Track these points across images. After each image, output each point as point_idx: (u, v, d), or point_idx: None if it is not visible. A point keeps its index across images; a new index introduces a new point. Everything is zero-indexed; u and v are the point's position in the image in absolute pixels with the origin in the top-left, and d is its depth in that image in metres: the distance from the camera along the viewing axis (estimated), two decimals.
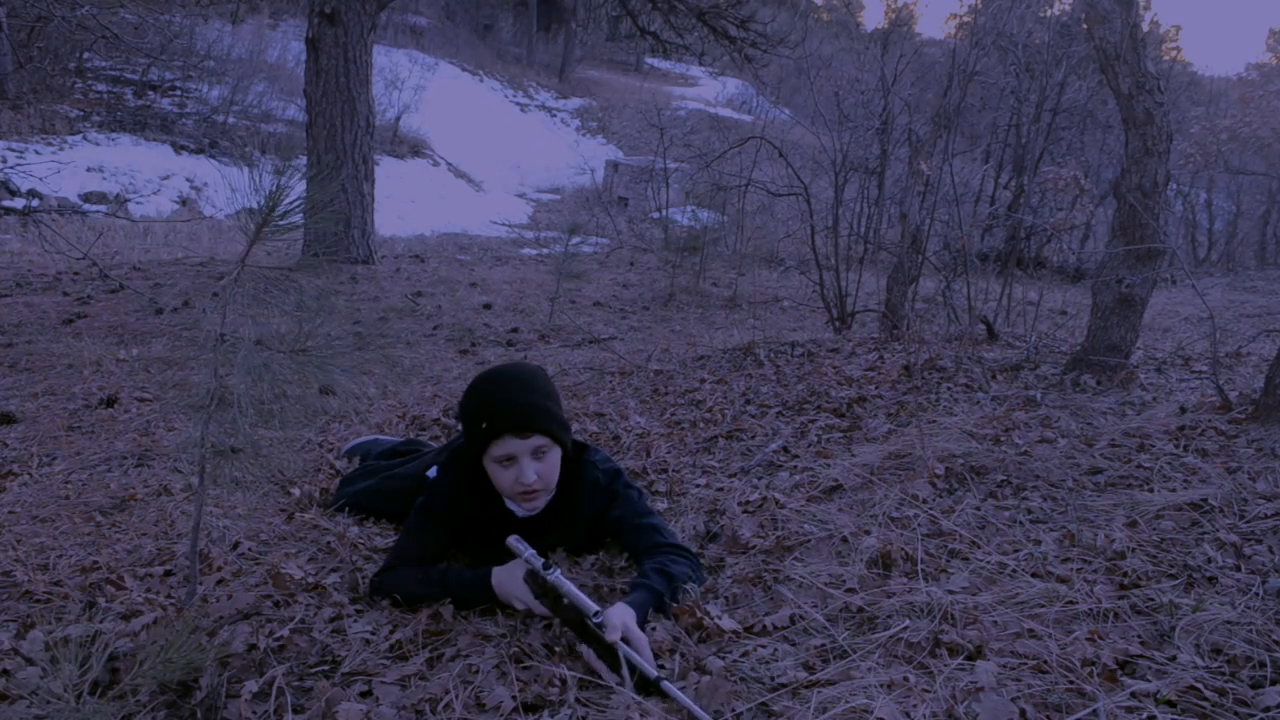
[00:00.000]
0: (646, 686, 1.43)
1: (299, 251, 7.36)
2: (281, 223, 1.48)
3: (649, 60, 33.24)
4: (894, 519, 2.07)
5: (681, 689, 1.40)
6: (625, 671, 1.45)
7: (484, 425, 1.83)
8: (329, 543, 2.12)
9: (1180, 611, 1.53)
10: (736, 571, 1.87)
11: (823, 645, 1.53)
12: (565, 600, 1.58)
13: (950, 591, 1.66)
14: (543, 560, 1.64)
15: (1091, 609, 1.57)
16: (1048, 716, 1.29)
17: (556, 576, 1.60)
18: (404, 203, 14.50)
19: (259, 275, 1.51)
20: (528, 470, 1.84)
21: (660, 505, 2.36)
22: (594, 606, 1.53)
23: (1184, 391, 3.08)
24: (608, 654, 1.47)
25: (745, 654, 1.52)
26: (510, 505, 1.96)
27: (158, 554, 2.01)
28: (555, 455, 1.89)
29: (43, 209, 10.60)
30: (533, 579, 1.66)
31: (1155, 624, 1.51)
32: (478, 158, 20.02)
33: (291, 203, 1.48)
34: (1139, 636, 1.48)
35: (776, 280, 9.06)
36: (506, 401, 1.84)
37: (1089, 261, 10.72)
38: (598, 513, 1.97)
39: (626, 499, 1.98)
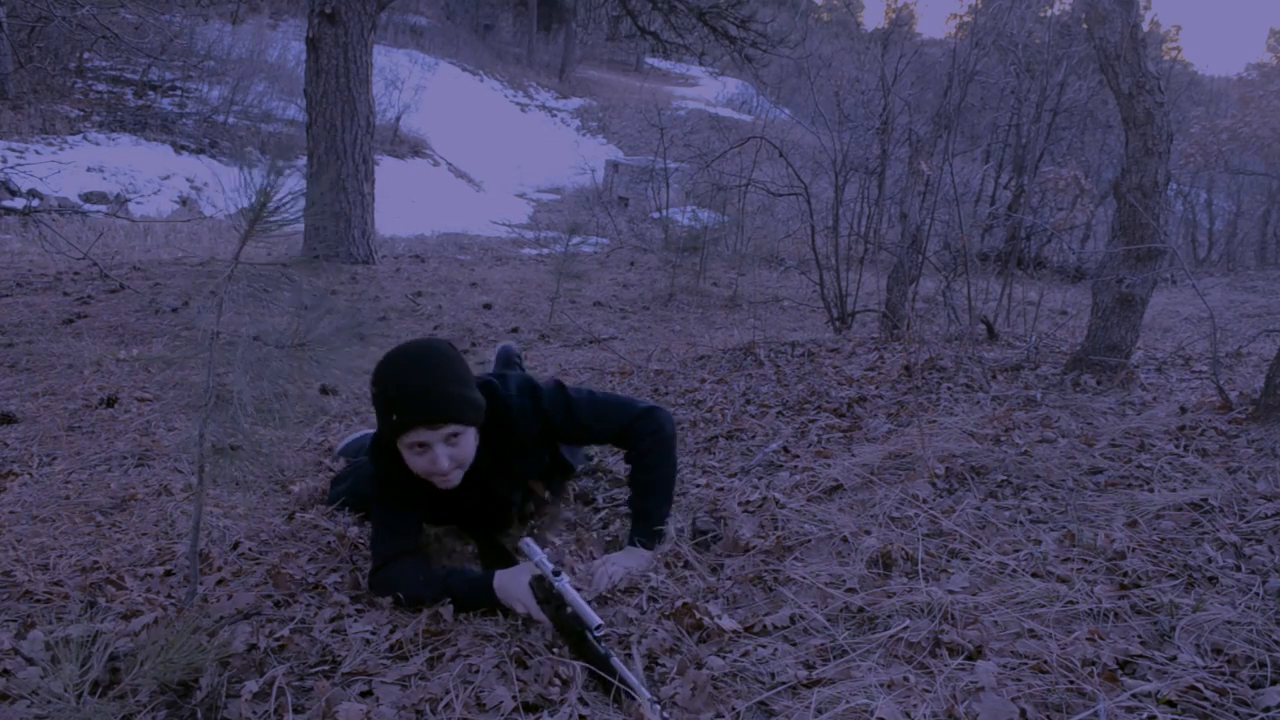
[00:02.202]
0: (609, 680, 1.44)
1: (299, 252, 7.36)
2: (273, 219, 1.47)
3: (649, 60, 33.24)
4: (894, 519, 2.07)
5: (678, 690, 1.40)
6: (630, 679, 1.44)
7: (394, 418, 1.80)
8: (329, 543, 2.12)
9: (1180, 611, 1.53)
10: (736, 571, 1.87)
11: (823, 645, 1.53)
12: (568, 609, 1.56)
13: (950, 591, 1.66)
14: (553, 566, 1.63)
15: (1092, 609, 1.56)
16: (1048, 716, 1.29)
17: (563, 584, 1.59)
18: (404, 203, 14.50)
19: (254, 272, 1.51)
20: (441, 458, 1.82)
21: None
22: (596, 620, 1.51)
23: (1184, 391, 3.08)
24: (603, 670, 1.46)
25: (745, 654, 1.52)
26: None
27: (158, 554, 2.01)
28: (470, 435, 1.86)
29: (43, 209, 10.60)
30: (538, 584, 1.65)
31: (1155, 624, 1.51)
32: (478, 158, 20.03)
33: (282, 199, 1.47)
34: (1139, 636, 1.48)
35: (776, 280, 9.05)
36: (415, 393, 1.80)
37: (1089, 261, 10.72)
38: (540, 432, 1.98)
39: (555, 409, 2.00)
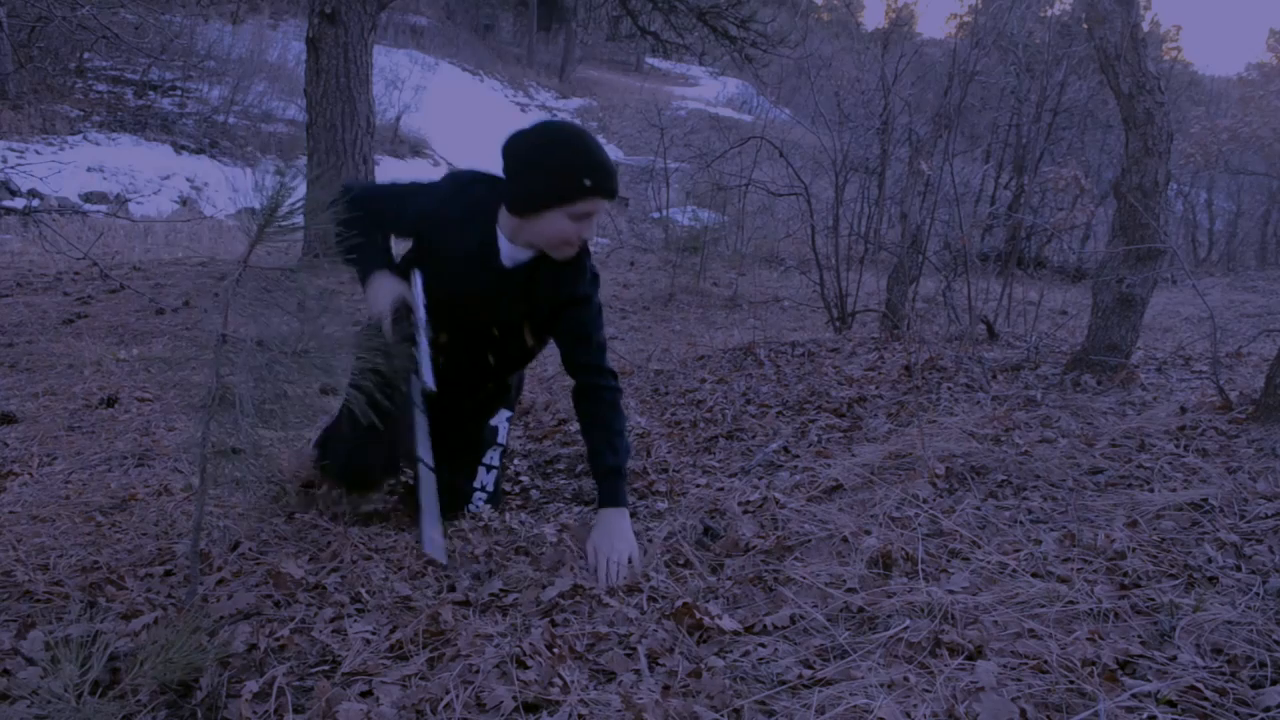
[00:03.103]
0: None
1: (299, 251, 7.36)
2: (284, 223, 1.48)
3: (649, 60, 33.23)
4: (894, 519, 2.07)
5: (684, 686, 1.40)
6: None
7: (587, 182, 1.85)
8: (329, 543, 2.11)
9: (1181, 611, 1.53)
10: (736, 571, 1.87)
11: (823, 645, 1.53)
12: (413, 350, 1.79)
13: (950, 591, 1.66)
14: (424, 315, 1.86)
15: (1092, 609, 1.56)
16: (1048, 716, 1.29)
17: (421, 336, 1.83)
18: None
19: (261, 276, 1.51)
20: (593, 228, 1.92)
21: (660, 505, 2.36)
22: (429, 381, 1.78)
23: (1184, 391, 3.08)
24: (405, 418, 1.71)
25: (745, 653, 1.52)
26: (504, 244, 1.99)
27: (158, 554, 2.01)
28: None
29: (43, 209, 10.60)
30: (403, 310, 1.86)
31: (1156, 624, 1.51)
32: (478, 158, 19.95)
33: (294, 204, 1.48)
34: (1139, 636, 1.48)
35: (777, 280, 9.05)
36: (607, 165, 1.88)
37: (1089, 261, 10.73)
38: (561, 299, 2.03)
39: (591, 306, 2.06)
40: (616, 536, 1.93)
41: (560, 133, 1.93)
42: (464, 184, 2.08)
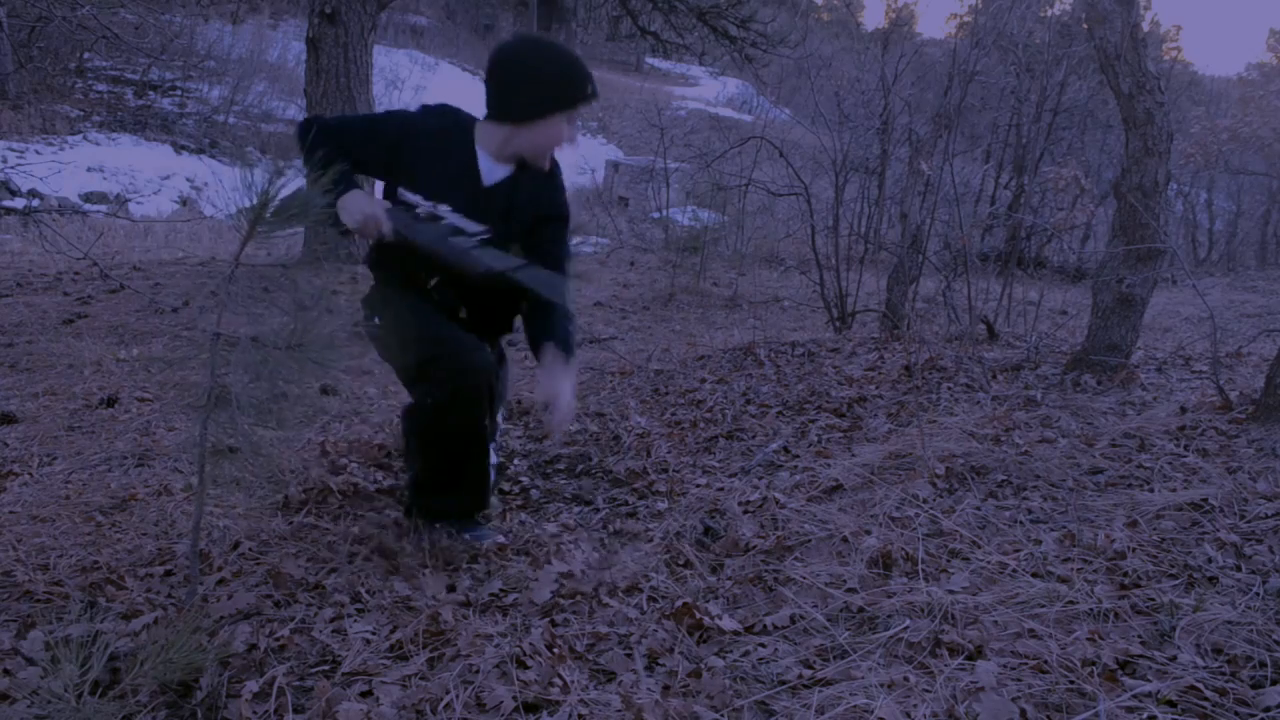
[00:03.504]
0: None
1: (300, 252, 7.35)
2: (273, 219, 1.47)
3: (649, 60, 33.19)
4: (894, 519, 2.07)
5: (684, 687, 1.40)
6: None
7: (589, 89, 1.95)
8: (329, 542, 2.12)
9: (1181, 611, 1.53)
10: (736, 571, 1.87)
11: (823, 645, 1.53)
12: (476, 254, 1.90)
13: (951, 591, 1.66)
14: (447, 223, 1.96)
15: (1092, 609, 1.56)
16: (1048, 716, 1.29)
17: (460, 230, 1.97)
18: None
19: (256, 274, 1.51)
20: (577, 130, 2.00)
21: (660, 505, 2.36)
22: (472, 226, 1.96)
23: (1184, 391, 3.08)
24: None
25: (745, 653, 1.52)
26: (484, 160, 2.04)
27: (158, 554, 2.01)
28: None
29: (43, 209, 10.59)
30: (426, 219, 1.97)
31: (1156, 624, 1.51)
32: None
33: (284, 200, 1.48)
34: (1139, 636, 1.48)
35: (777, 280, 9.05)
36: (586, 73, 1.97)
37: (1089, 261, 10.72)
38: (541, 211, 2.06)
39: (566, 227, 2.12)
40: (567, 384, 1.93)
41: (549, 44, 2.05)
42: (434, 110, 2.12)
